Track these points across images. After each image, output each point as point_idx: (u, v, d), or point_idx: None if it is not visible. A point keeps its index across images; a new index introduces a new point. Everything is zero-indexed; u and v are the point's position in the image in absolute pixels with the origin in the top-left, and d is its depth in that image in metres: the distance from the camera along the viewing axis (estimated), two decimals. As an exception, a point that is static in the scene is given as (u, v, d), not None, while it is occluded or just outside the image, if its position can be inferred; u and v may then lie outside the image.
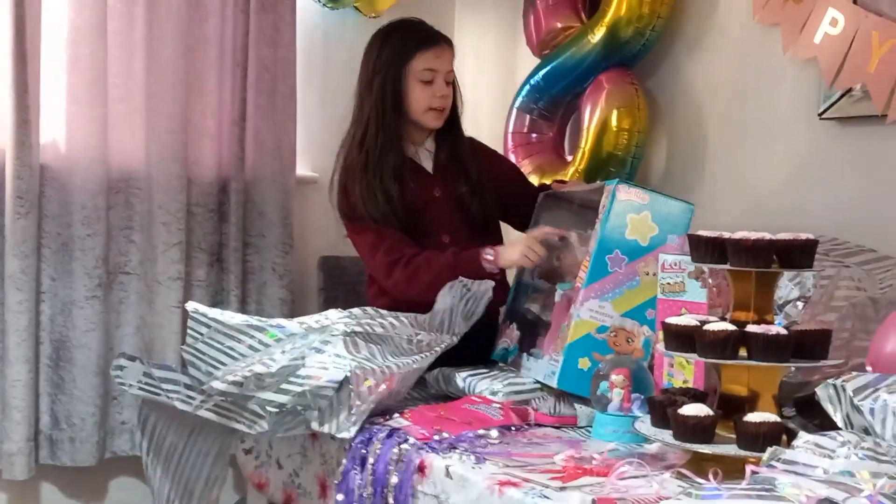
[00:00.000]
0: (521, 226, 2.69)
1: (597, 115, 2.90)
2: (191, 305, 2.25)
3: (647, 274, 2.12)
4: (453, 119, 2.63)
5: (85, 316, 2.93)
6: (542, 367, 2.21)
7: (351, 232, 2.59)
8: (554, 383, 2.14)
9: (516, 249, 2.39)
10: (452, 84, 2.59)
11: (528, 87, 3.12)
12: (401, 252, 2.46)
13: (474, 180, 2.59)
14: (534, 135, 3.15)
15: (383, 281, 2.51)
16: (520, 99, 3.15)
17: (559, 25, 3.08)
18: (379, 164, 2.50)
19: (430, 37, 2.57)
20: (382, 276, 2.50)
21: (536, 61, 3.15)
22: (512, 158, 3.14)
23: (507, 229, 2.78)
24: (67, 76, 2.91)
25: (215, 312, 2.24)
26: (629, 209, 2.13)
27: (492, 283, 2.33)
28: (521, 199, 2.67)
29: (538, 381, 2.20)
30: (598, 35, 2.90)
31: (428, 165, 2.61)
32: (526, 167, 3.10)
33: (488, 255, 2.40)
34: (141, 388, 2.20)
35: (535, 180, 3.00)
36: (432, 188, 2.58)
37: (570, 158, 3.06)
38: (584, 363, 2.12)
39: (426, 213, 2.55)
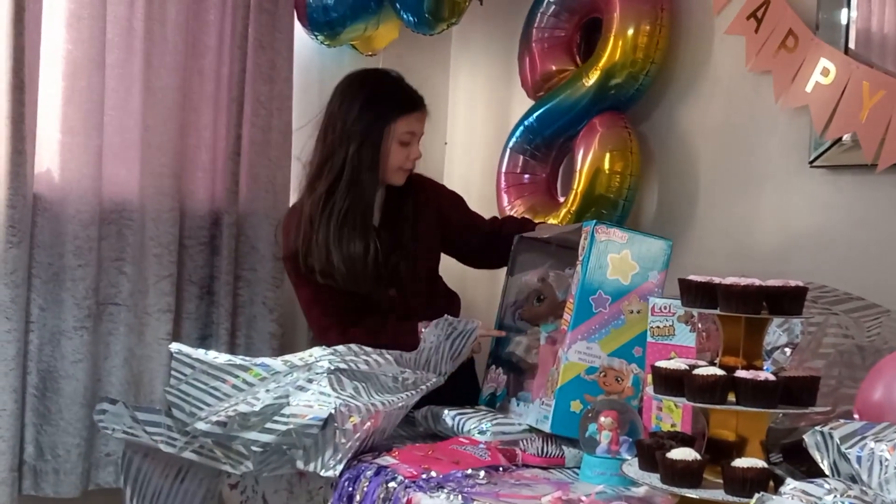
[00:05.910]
0: (463, 258, 2.78)
1: (590, 157, 2.91)
2: (174, 346, 2.23)
3: (632, 312, 2.13)
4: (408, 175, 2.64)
5: (73, 347, 2.92)
6: (534, 412, 2.20)
7: (296, 282, 2.59)
8: (547, 428, 2.13)
9: None
10: None
11: (521, 128, 3.14)
12: (337, 318, 2.51)
13: (407, 241, 2.57)
14: (526, 175, 3.17)
15: (318, 337, 2.55)
16: (513, 139, 3.17)
17: (554, 68, 3.11)
18: (350, 221, 2.48)
19: (415, 100, 2.59)
20: (317, 334, 2.56)
21: (531, 102, 3.17)
22: (505, 198, 3.15)
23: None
24: (63, 107, 2.93)
25: (199, 353, 2.22)
26: (609, 249, 2.15)
27: (478, 322, 2.32)
28: (464, 233, 2.72)
29: (530, 426, 2.19)
30: (592, 79, 2.92)
31: (376, 218, 2.59)
32: (518, 207, 3.11)
33: None
34: (125, 432, 2.17)
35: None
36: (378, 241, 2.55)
37: (562, 200, 3.07)
38: (576, 405, 2.12)
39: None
